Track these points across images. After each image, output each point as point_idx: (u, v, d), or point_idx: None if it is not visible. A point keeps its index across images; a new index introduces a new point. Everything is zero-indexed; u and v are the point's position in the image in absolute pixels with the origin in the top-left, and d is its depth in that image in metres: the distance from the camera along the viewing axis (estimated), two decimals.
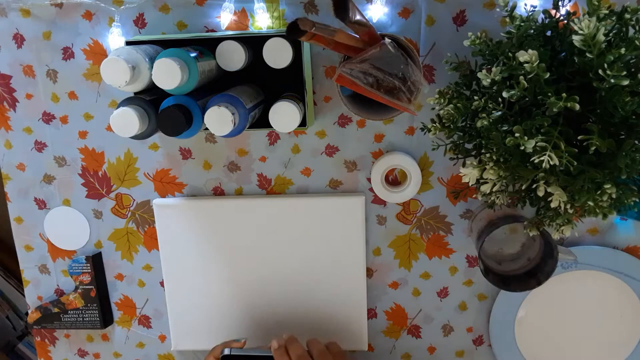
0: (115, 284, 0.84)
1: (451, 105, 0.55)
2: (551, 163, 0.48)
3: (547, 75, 0.48)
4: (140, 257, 0.82)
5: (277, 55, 0.62)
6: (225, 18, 0.69)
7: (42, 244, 0.83)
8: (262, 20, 0.69)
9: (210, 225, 0.77)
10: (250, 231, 0.77)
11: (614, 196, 0.50)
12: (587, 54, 0.47)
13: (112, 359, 0.87)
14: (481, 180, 0.55)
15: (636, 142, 0.49)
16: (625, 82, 0.45)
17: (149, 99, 0.63)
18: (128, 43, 0.66)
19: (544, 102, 0.48)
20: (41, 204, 0.81)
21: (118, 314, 0.85)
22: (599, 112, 0.50)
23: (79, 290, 0.82)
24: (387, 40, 0.56)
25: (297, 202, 0.76)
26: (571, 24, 0.51)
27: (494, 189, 0.56)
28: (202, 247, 0.78)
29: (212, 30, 0.71)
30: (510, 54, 0.51)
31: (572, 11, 0.54)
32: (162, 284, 0.82)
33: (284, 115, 0.63)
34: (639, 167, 0.49)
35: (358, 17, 0.53)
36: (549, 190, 0.51)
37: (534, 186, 0.52)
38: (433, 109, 0.59)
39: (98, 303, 0.82)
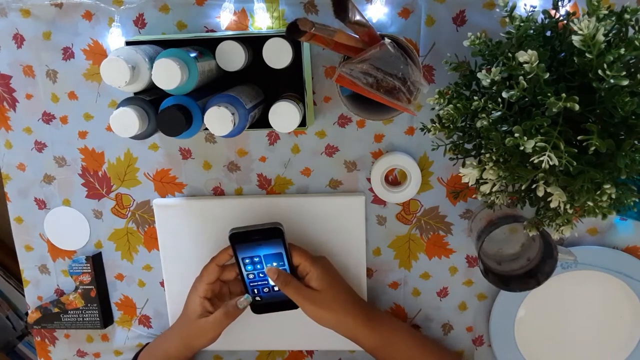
0: (115, 284, 0.84)
1: (451, 106, 0.55)
2: (551, 163, 0.47)
3: (547, 75, 0.48)
4: (140, 257, 0.82)
5: (277, 55, 0.62)
6: (225, 18, 0.69)
7: (42, 244, 0.83)
8: (262, 20, 0.69)
9: (210, 225, 0.77)
10: None
11: (613, 196, 0.50)
12: (587, 54, 0.47)
13: (112, 359, 0.87)
14: (481, 181, 0.55)
15: (636, 142, 0.49)
16: (625, 83, 0.45)
17: (149, 99, 0.63)
18: (128, 43, 0.66)
19: (543, 102, 0.48)
20: (41, 204, 0.81)
21: (118, 314, 0.85)
22: (598, 112, 0.50)
23: (79, 290, 0.82)
24: (386, 40, 0.56)
25: (297, 202, 0.76)
26: (571, 24, 0.51)
27: (494, 189, 0.56)
28: (202, 247, 0.78)
29: (212, 30, 0.71)
30: (509, 54, 0.51)
31: (571, 11, 0.54)
32: (162, 284, 0.82)
33: (284, 115, 0.63)
34: (639, 167, 0.49)
35: (358, 17, 0.53)
36: (548, 190, 0.51)
37: (534, 186, 0.52)
38: (433, 109, 0.59)
39: (98, 303, 0.82)
